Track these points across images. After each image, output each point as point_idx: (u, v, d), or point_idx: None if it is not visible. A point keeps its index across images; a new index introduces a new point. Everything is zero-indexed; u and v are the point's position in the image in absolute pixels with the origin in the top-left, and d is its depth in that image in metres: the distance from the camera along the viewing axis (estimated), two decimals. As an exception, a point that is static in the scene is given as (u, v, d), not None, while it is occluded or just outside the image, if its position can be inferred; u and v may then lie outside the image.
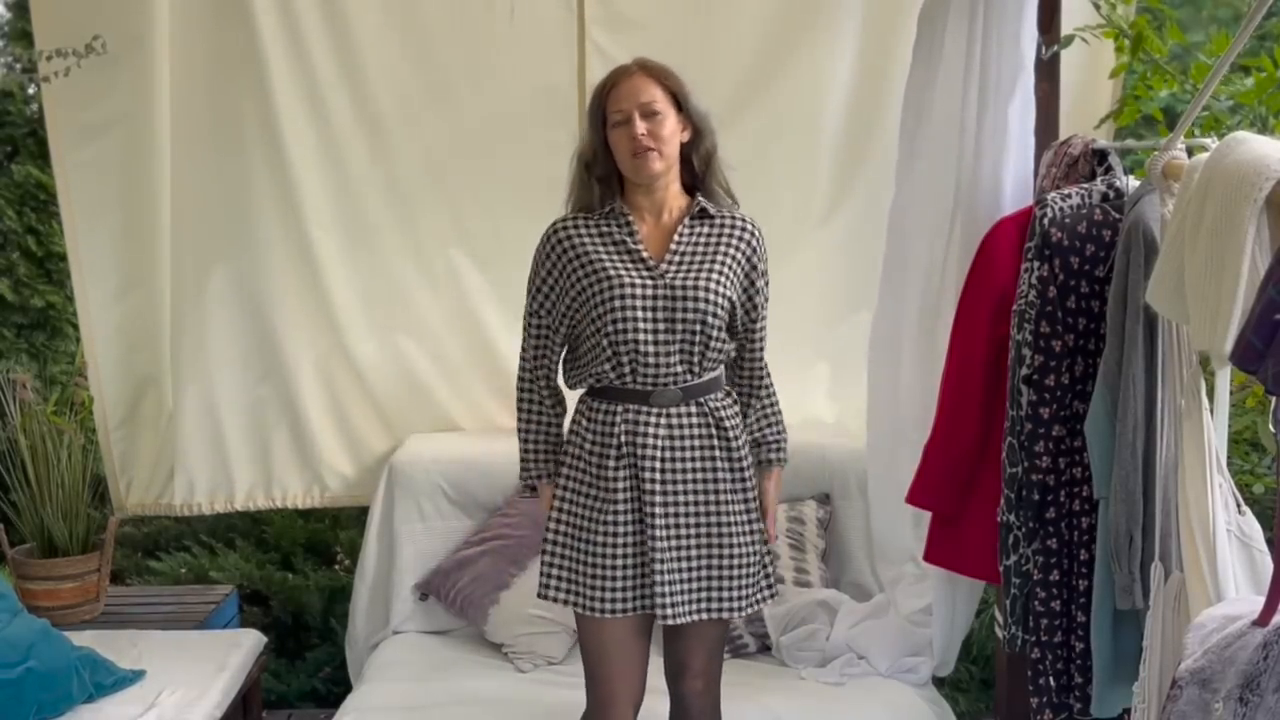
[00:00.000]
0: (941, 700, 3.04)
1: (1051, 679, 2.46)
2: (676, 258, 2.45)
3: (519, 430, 2.57)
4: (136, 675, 2.99)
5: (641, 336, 2.39)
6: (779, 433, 2.63)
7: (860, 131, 3.57)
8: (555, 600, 2.47)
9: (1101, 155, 2.55)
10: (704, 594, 2.45)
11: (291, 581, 4.23)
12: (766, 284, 2.56)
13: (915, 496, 2.88)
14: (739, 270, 2.49)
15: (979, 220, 2.77)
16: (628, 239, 2.45)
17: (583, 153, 2.50)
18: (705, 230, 2.49)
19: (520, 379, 2.58)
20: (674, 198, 2.50)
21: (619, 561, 2.41)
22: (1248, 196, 1.66)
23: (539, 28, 3.53)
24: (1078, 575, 2.44)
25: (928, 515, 2.96)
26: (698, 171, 2.51)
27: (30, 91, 5.16)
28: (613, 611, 2.41)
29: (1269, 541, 1.97)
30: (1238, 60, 2.52)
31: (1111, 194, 2.46)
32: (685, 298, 2.40)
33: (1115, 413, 2.24)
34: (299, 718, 3.92)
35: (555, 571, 2.47)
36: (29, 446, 3.42)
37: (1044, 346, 2.42)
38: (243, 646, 3.26)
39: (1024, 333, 2.45)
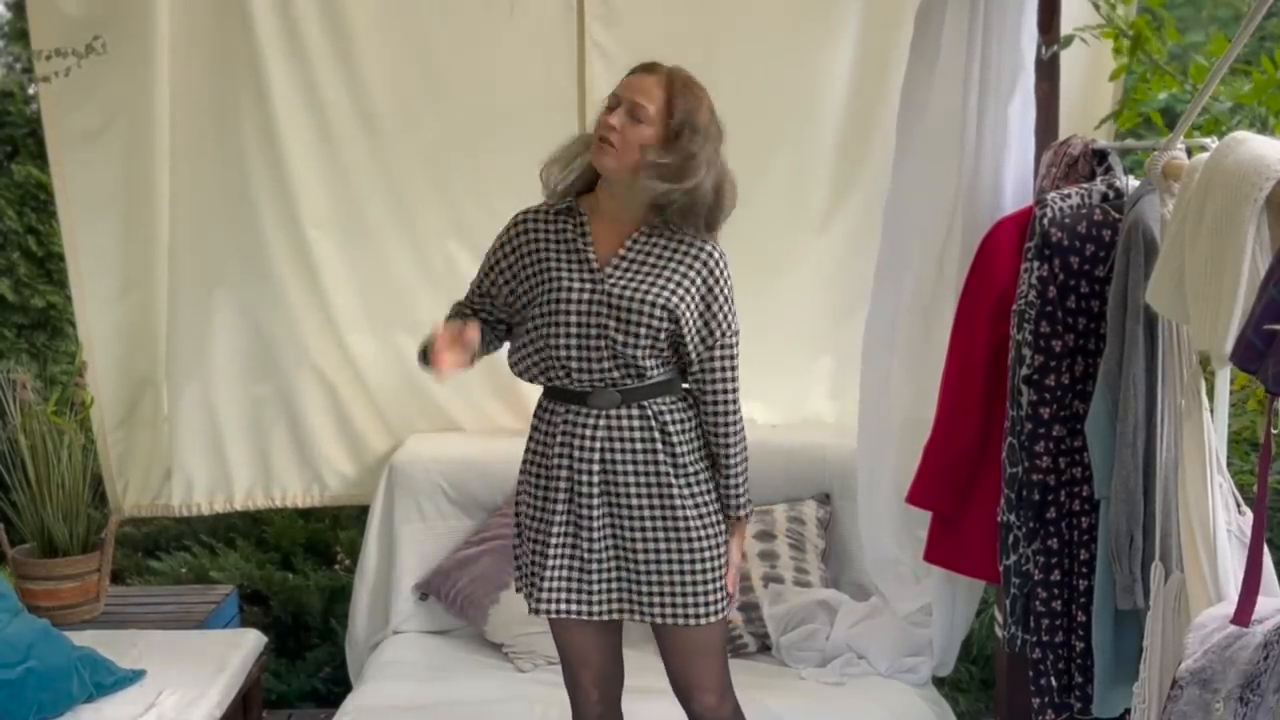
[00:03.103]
0: (941, 700, 3.04)
1: (1052, 679, 2.46)
2: (624, 264, 2.40)
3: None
4: (136, 675, 2.98)
5: (567, 340, 2.38)
6: (735, 485, 2.48)
7: (862, 129, 3.57)
8: (519, 592, 2.58)
9: (1101, 155, 2.55)
10: (656, 598, 2.43)
11: (291, 581, 4.23)
12: (728, 321, 2.43)
13: (915, 496, 2.88)
14: (693, 290, 2.39)
15: (979, 220, 2.77)
16: (579, 239, 2.43)
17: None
18: (662, 243, 2.42)
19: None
20: (639, 209, 2.41)
21: (554, 562, 2.43)
22: (1248, 196, 1.66)
23: (538, 25, 3.53)
24: (1078, 575, 2.44)
25: (919, 517, 2.96)
26: (662, 209, 2.39)
27: (30, 91, 5.16)
28: (548, 611, 2.46)
29: (1269, 542, 1.97)
30: (1237, 62, 2.52)
31: (1111, 194, 2.46)
32: (620, 305, 2.36)
33: (1116, 413, 2.24)
34: (299, 718, 3.92)
35: (517, 565, 2.57)
36: (29, 446, 3.42)
37: (1044, 346, 2.42)
38: (243, 646, 3.26)
39: (1024, 333, 2.45)
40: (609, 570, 2.44)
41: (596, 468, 2.40)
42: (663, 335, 2.38)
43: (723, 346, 2.44)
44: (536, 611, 2.49)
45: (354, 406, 3.74)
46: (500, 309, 2.54)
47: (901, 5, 3.35)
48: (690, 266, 2.41)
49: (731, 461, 2.48)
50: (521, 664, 3.18)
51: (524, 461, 2.52)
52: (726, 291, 2.44)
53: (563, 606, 2.45)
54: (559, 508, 2.43)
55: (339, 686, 3.81)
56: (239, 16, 3.45)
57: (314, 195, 3.59)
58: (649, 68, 2.42)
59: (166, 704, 2.87)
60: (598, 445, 2.40)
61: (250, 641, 3.32)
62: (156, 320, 3.65)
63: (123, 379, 3.69)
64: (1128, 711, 2.32)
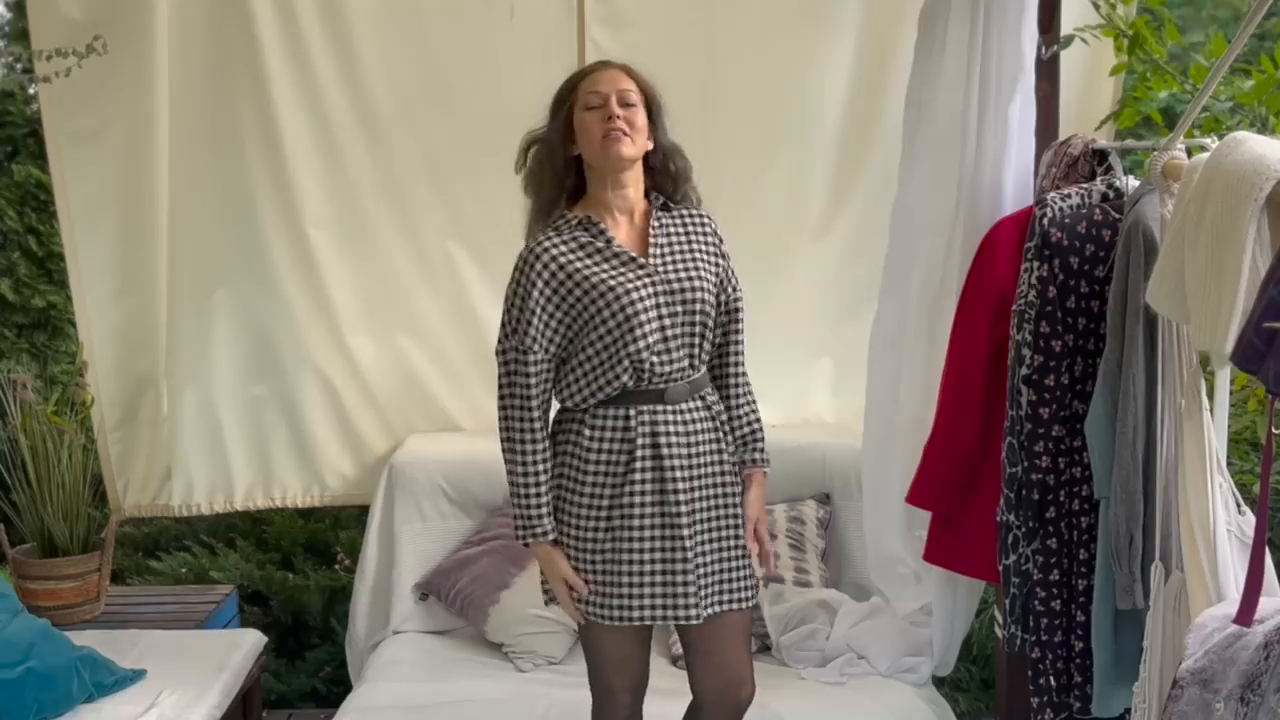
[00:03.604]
0: (941, 700, 3.04)
1: (1052, 679, 2.46)
2: (659, 252, 2.43)
3: (521, 480, 2.39)
4: (136, 675, 2.99)
5: (653, 338, 2.35)
6: (762, 432, 2.58)
7: (862, 131, 3.57)
8: (579, 601, 2.42)
9: (1101, 155, 2.55)
10: (723, 586, 2.44)
11: (291, 581, 4.23)
12: (736, 275, 2.55)
13: (915, 496, 2.88)
14: (715, 255, 2.50)
15: (980, 220, 2.77)
16: (607, 244, 2.40)
17: (540, 144, 2.45)
18: (672, 223, 2.48)
19: (520, 422, 2.39)
20: (641, 199, 2.48)
21: (644, 568, 2.37)
22: (1248, 196, 1.66)
23: (538, 26, 3.53)
24: (1077, 575, 2.44)
25: (920, 517, 2.96)
26: (663, 183, 2.49)
27: (31, 91, 5.16)
28: (639, 619, 2.37)
29: (1270, 542, 1.97)
30: (1237, 62, 2.52)
31: (1111, 194, 2.47)
32: (681, 289, 2.40)
33: (1115, 413, 2.24)
34: (299, 718, 3.92)
35: (593, 587, 2.41)
36: (29, 446, 3.42)
37: (1044, 346, 2.42)
38: (243, 646, 3.26)
39: (1024, 333, 2.45)
40: (700, 568, 2.40)
41: (680, 463, 2.38)
42: (715, 307, 2.46)
43: (738, 300, 2.54)
44: (619, 620, 2.38)
45: (354, 406, 3.74)
46: (556, 350, 2.41)
47: (901, 9, 3.36)
48: (704, 234, 2.50)
49: (758, 411, 2.58)
50: (521, 664, 3.18)
51: (579, 478, 2.40)
52: (727, 249, 2.54)
53: (657, 613, 2.38)
54: (647, 510, 2.37)
55: (339, 686, 3.82)
56: (239, 17, 3.46)
57: (314, 196, 3.59)
58: (603, 64, 2.47)
59: (166, 704, 2.87)
60: (677, 440, 2.39)
61: (250, 641, 3.32)
62: (156, 320, 3.65)
63: (123, 379, 3.69)
64: (1127, 711, 2.32)
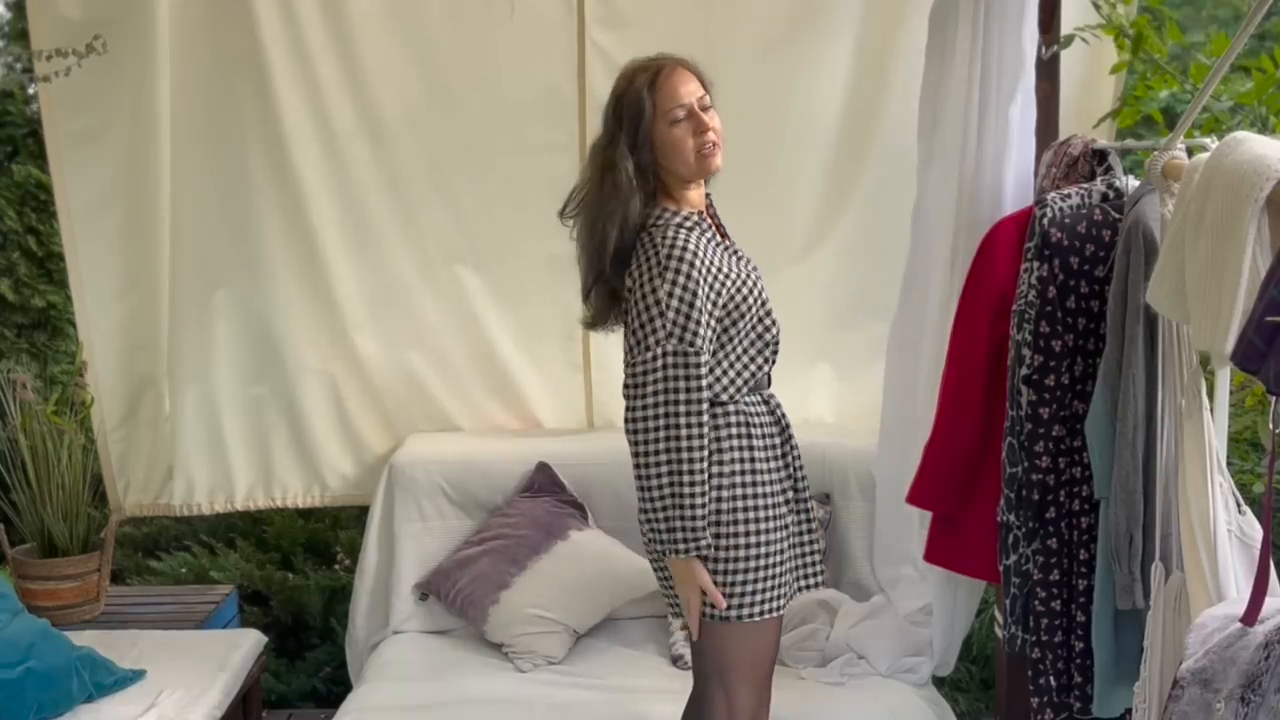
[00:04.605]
0: (941, 700, 3.04)
1: (1052, 679, 2.46)
2: (739, 247, 2.49)
3: (688, 489, 2.25)
4: (136, 675, 2.99)
5: (776, 326, 2.45)
6: None
7: (862, 132, 3.56)
8: (776, 612, 2.39)
9: (1101, 155, 2.55)
10: None
11: (291, 581, 4.24)
12: None
13: (915, 496, 2.88)
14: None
15: (981, 221, 2.77)
16: (720, 238, 2.43)
17: (622, 156, 2.32)
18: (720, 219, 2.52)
19: (689, 428, 2.24)
20: None
21: (794, 539, 2.46)
22: (1248, 196, 1.66)
23: (539, 27, 3.53)
24: (1078, 575, 2.45)
25: (927, 517, 2.96)
26: None
27: (30, 91, 5.17)
28: (793, 595, 2.46)
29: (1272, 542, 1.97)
30: (1237, 61, 2.52)
31: (1111, 194, 2.47)
32: (761, 278, 2.46)
33: (1115, 413, 2.24)
34: (299, 718, 3.92)
35: (771, 581, 2.39)
36: (29, 446, 3.42)
37: (1044, 346, 2.42)
38: (243, 646, 3.26)
39: (1024, 333, 2.45)
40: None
41: (794, 438, 2.49)
42: None
43: None
44: (787, 603, 2.42)
45: (354, 406, 3.74)
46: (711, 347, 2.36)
47: (901, 14, 3.36)
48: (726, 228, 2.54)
49: None
50: (521, 664, 3.18)
51: (753, 467, 2.37)
52: None
53: (799, 584, 2.49)
54: (790, 492, 2.46)
55: (339, 686, 3.81)
56: (239, 17, 3.45)
57: (315, 196, 3.59)
58: (668, 66, 2.36)
59: (166, 704, 2.87)
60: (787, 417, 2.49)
61: (250, 641, 3.32)
62: (157, 320, 3.65)
63: (123, 379, 3.69)
64: (1128, 711, 2.32)
